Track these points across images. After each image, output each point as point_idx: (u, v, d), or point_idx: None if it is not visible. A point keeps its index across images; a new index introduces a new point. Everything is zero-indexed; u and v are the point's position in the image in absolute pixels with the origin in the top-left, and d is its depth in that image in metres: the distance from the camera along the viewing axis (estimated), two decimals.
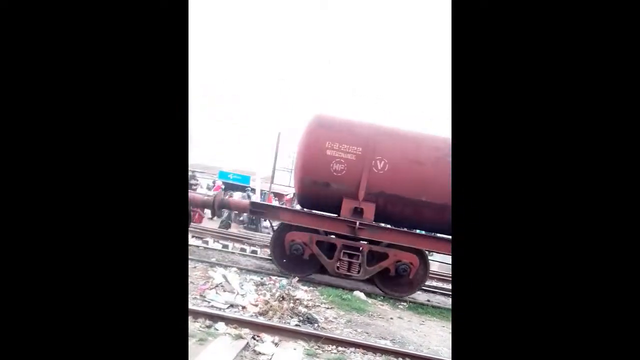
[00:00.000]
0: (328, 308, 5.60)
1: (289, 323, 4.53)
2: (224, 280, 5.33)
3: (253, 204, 7.44)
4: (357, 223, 6.52)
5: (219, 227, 11.49)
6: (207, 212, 9.69)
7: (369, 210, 6.60)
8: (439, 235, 7.22)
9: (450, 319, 3.42)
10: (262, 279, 6.19)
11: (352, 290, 6.65)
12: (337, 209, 6.72)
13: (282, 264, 6.86)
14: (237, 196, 12.31)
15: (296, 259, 6.71)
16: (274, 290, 5.60)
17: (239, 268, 6.70)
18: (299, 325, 4.53)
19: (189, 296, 4.83)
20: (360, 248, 6.67)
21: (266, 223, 11.96)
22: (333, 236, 6.74)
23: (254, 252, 9.00)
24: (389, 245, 6.66)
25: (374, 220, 6.69)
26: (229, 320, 4.13)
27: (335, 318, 5.24)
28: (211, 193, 7.81)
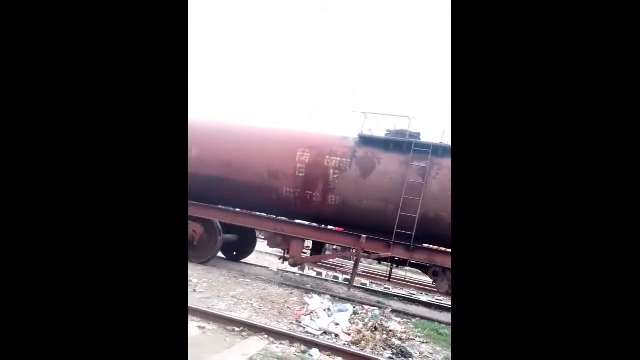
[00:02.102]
0: (423, 342, 5.38)
1: (382, 355, 4.47)
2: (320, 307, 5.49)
3: None
4: None
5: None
6: None
7: None
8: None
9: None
10: (355, 307, 6.23)
11: (449, 324, 6.29)
12: None
13: None
14: None
15: None
16: (366, 320, 5.58)
17: (332, 295, 6.84)
18: (392, 359, 4.44)
19: (286, 321, 5.08)
20: None
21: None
22: None
23: (346, 279, 9.10)
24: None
25: None
26: (322, 347, 4.24)
27: (431, 354, 5.01)
28: None
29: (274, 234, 7.39)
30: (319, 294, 6.73)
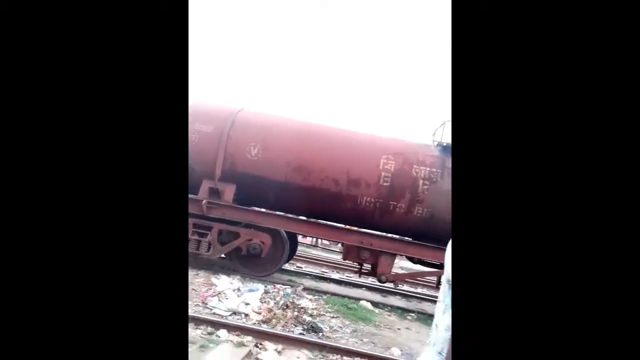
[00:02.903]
0: (333, 317, 5.45)
1: (292, 331, 4.39)
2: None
3: None
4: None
5: None
6: None
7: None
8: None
9: None
10: (266, 286, 6.06)
11: (358, 299, 6.48)
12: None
13: None
14: None
15: None
16: (277, 299, 5.47)
17: (242, 275, 6.58)
18: (303, 334, 4.38)
19: (191, 303, 4.72)
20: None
21: None
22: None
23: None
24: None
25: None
26: (231, 328, 4.01)
27: (340, 327, 5.09)
28: None
29: (358, 248, 6.45)
30: (228, 274, 6.42)
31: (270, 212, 6.77)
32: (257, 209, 6.80)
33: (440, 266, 6.54)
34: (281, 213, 6.69)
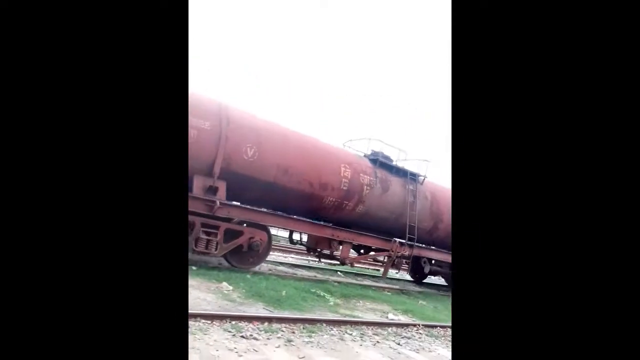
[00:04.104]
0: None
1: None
2: None
3: None
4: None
5: None
6: None
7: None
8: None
9: None
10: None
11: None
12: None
13: None
14: None
15: None
16: None
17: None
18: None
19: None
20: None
21: None
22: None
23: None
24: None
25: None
26: None
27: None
28: None
29: (329, 239, 8.20)
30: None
31: (271, 211, 7.60)
32: (257, 209, 7.32)
33: (376, 250, 9.16)
34: (283, 213, 7.69)
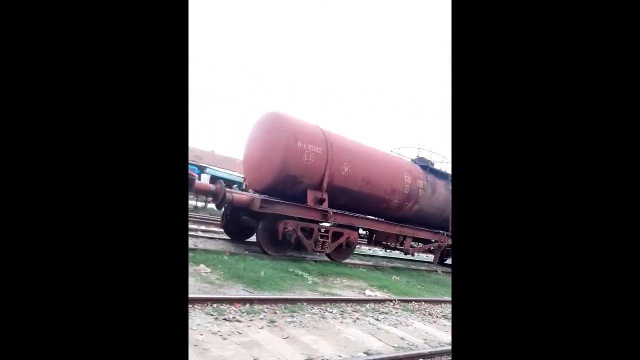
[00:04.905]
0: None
1: None
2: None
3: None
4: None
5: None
6: None
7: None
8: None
9: None
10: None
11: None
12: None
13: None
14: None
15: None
16: None
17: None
18: None
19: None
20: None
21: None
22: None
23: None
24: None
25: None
26: None
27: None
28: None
29: (396, 235, 10.32)
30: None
31: (363, 216, 9.67)
32: (351, 214, 9.29)
33: (428, 241, 11.33)
34: (366, 216, 9.95)
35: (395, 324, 4.90)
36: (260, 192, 8.21)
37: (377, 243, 10.79)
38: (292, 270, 6.86)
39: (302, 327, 4.10)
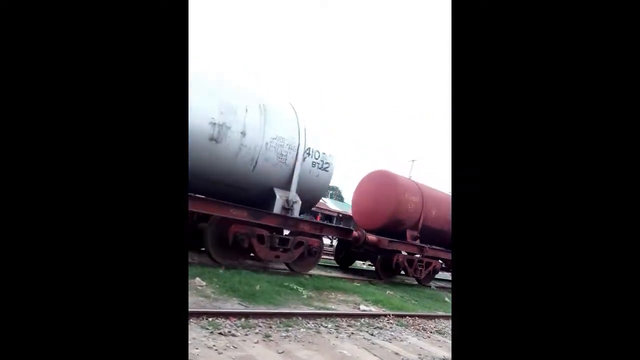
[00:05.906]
0: None
1: None
2: None
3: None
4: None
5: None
6: None
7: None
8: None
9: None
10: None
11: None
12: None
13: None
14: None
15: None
16: None
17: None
18: None
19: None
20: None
21: None
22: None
23: None
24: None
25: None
26: None
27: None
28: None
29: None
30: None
31: (435, 247, 11.68)
32: (435, 247, 11.66)
33: None
34: (439, 248, 12.01)
35: (390, 339, 4.92)
36: (372, 232, 10.45)
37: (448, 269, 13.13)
38: (287, 284, 6.87)
39: (298, 341, 4.11)
